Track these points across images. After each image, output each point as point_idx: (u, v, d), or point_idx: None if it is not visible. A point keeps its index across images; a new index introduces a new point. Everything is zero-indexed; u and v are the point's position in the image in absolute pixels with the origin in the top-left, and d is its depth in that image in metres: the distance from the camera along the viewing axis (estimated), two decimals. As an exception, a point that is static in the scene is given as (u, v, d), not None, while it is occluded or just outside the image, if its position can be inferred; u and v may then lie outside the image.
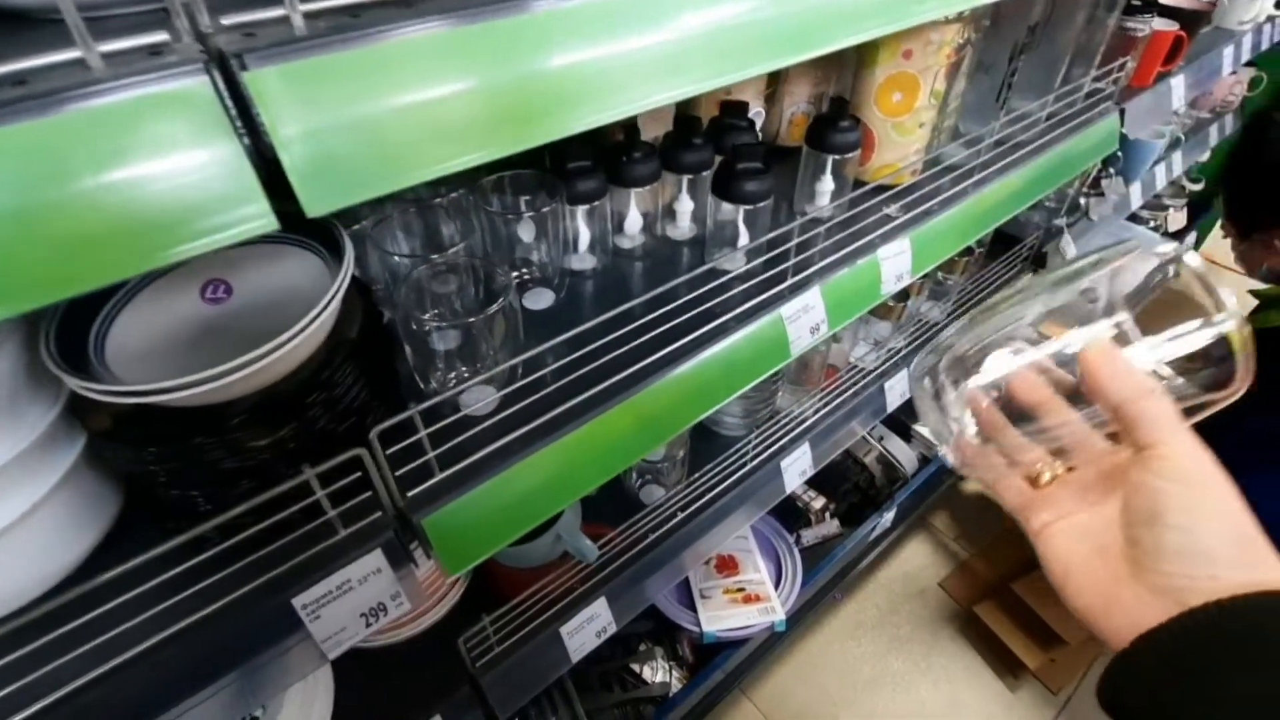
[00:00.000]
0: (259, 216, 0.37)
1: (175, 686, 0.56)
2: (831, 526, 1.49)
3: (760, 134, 1.09)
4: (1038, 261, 1.63)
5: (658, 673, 1.23)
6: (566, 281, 0.87)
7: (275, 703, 0.77)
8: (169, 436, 0.51)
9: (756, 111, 1.06)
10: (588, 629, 0.98)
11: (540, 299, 0.85)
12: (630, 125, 0.88)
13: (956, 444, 0.44)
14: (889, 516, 1.59)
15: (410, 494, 0.63)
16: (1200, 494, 0.34)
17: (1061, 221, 1.63)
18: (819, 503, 1.51)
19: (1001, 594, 1.67)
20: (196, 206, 0.34)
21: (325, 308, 0.49)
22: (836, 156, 0.94)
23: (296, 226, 0.62)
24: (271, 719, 0.75)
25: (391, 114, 0.40)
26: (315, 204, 0.38)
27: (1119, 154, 1.68)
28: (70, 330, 0.51)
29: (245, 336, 0.58)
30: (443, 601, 0.94)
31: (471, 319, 0.64)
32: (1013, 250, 1.61)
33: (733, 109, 0.93)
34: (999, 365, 0.42)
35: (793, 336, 0.88)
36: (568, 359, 0.75)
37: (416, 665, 0.92)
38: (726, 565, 1.34)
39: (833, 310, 0.92)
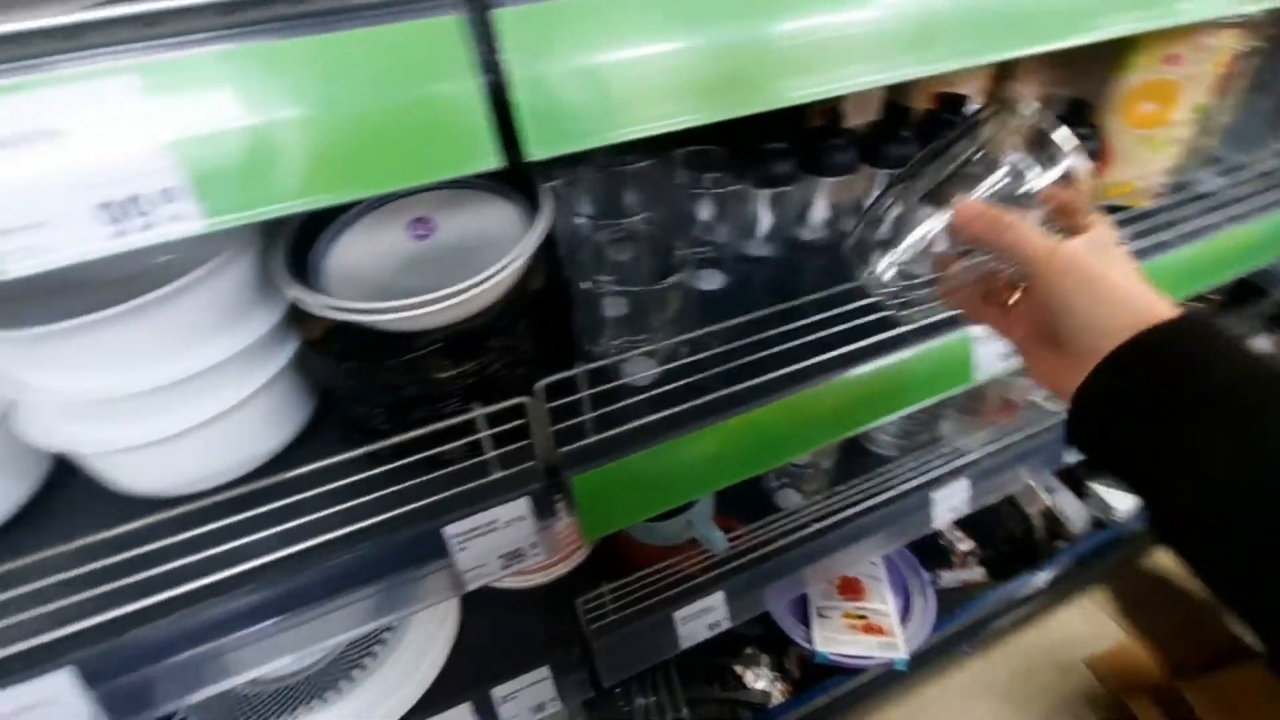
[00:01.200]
0: (486, 155, 0.37)
1: (334, 584, 0.60)
2: (975, 573, 1.36)
3: (972, 135, 1.00)
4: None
5: (760, 680, 1.19)
6: (740, 266, 0.84)
7: (403, 625, 0.82)
8: (364, 355, 0.55)
9: (975, 108, 0.97)
10: (701, 620, 0.96)
11: (711, 280, 0.83)
12: (832, 108, 0.83)
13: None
14: (1044, 577, 1.42)
15: (563, 450, 0.64)
16: (1082, 283, 0.42)
17: (1326, 276, 1.36)
18: (965, 545, 1.39)
19: (1165, 693, 1.45)
20: (428, 139, 0.35)
21: (518, 257, 0.51)
22: (1063, 167, 0.84)
23: (499, 176, 0.64)
24: (399, 639, 0.81)
25: (622, 65, 0.39)
26: (538, 147, 0.39)
27: None
28: (298, 247, 0.56)
29: (441, 273, 0.62)
30: (569, 559, 0.96)
31: (646, 289, 0.64)
32: (1255, 305, 1.36)
33: (949, 102, 0.85)
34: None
35: (978, 361, 0.80)
36: (731, 345, 0.73)
37: (536, 614, 0.95)
38: (851, 589, 1.27)
39: (1029, 337, 0.82)
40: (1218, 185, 0.96)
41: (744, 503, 1.05)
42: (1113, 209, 0.86)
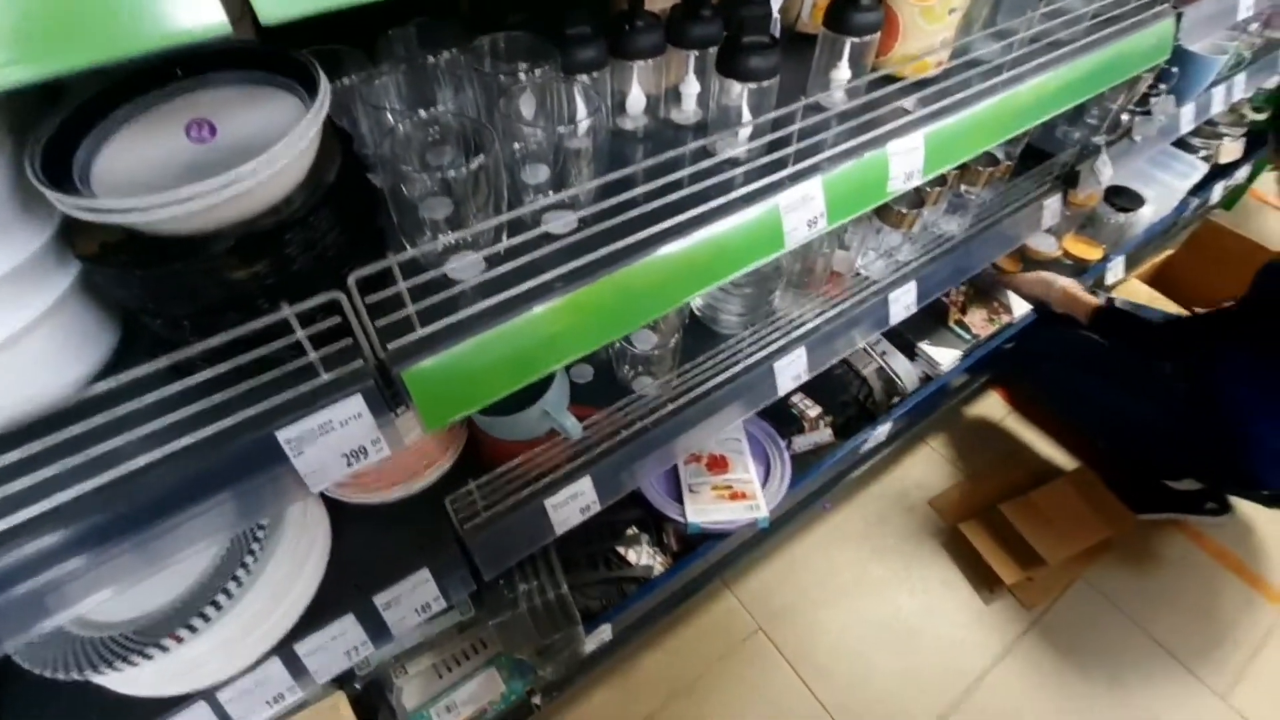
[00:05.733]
0: (211, 17, 0.36)
1: (170, 499, 0.60)
2: (824, 435, 1.51)
3: (778, 19, 1.04)
4: (1069, 180, 1.56)
5: (642, 557, 1.29)
6: (563, 159, 0.85)
7: (276, 534, 0.82)
8: (153, 262, 0.53)
9: (776, -9, 1.01)
10: (572, 505, 1.02)
11: (536, 174, 0.84)
12: (633, -7, 0.84)
13: None
14: (883, 430, 1.60)
15: (391, 346, 0.65)
16: None
17: (1101, 139, 1.54)
18: (814, 411, 1.53)
19: (988, 514, 1.71)
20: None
21: (295, 140, 0.50)
22: (854, 40, 0.90)
23: (279, 67, 0.61)
24: (271, 549, 0.81)
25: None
26: (271, 9, 0.38)
27: (1173, 69, 1.57)
28: (54, 158, 0.52)
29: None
30: (434, 466, 0.98)
31: (452, 172, 0.64)
32: (1043, 166, 1.53)
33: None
34: None
35: (789, 227, 0.87)
36: (552, 229, 0.75)
37: (408, 523, 0.98)
38: (717, 464, 1.38)
39: (833, 204, 0.90)
40: (993, 50, 1.06)
41: (603, 393, 1.11)
42: (901, 79, 0.93)
